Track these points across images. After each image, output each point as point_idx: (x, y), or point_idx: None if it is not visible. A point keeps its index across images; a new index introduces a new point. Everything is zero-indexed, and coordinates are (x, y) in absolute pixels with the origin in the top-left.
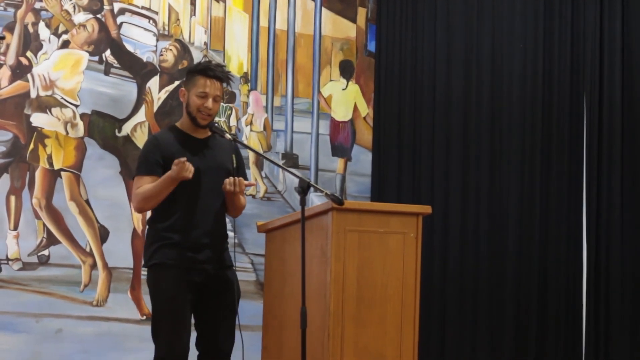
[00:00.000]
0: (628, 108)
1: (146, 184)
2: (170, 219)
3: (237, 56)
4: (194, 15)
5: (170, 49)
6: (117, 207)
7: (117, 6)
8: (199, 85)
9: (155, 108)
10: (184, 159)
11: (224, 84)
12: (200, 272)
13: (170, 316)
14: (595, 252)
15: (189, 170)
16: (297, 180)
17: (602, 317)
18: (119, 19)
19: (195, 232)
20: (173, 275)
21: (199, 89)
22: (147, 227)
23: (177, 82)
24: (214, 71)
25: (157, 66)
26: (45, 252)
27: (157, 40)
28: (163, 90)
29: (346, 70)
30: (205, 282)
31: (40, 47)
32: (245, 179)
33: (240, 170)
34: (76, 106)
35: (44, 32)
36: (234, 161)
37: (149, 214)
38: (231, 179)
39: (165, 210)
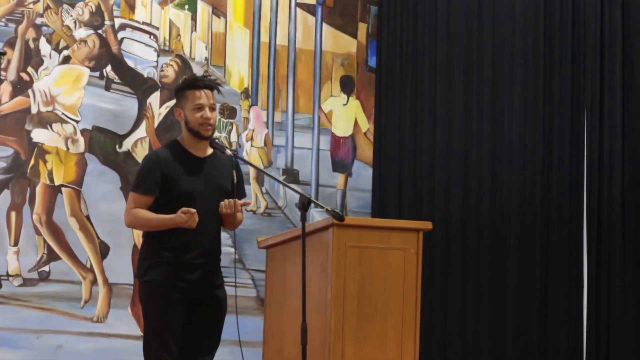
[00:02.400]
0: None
1: (142, 206)
2: (166, 237)
3: (237, 71)
4: (195, 30)
5: (171, 65)
6: (118, 223)
7: (118, 22)
8: (191, 99)
9: (156, 124)
10: (194, 211)
11: (216, 93)
12: (192, 291)
13: (161, 334)
14: (595, 264)
15: (195, 221)
16: (297, 196)
17: (603, 333)
18: (120, 35)
19: (191, 252)
20: (164, 294)
21: (194, 103)
22: (142, 239)
23: None
24: (203, 82)
25: (158, 82)
26: (46, 268)
27: (158, 55)
28: (164, 106)
29: (347, 85)
30: (195, 300)
31: (41, 62)
32: (244, 195)
33: (239, 187)
34: (77, 122)
35: (44, 47)
36: (234, 177)
37: None
38: (226, 201)
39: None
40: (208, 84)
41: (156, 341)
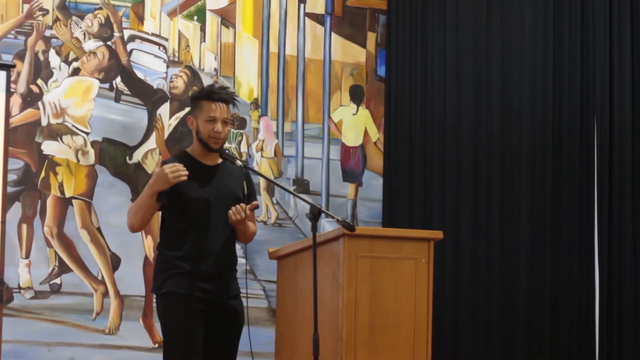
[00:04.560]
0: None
1: None
2: (181, 247)
3: (247, 82)
4: (204, 41)
5: (181, 76)
6: (129, 235)
7: (127, 33)
8: (205, 110)
9: (166, 135)
10: (179, 167)
11: (231, 106)
12: (209, 301)
13: (182, 346)
14: (607, 275)
15: (175, 173)
16: (308, 207)
17: (615, 344)
18: (129, 46)
19: (206, 262)
20: (184, 305)
21: (207, 115)
22: (157, 253)
23: (187, 109)
24: (219, 94)
25: (168, 93)
26: (57, 281)
27: (168, 66)
28: (174, 117)
29: (356, 95)
30: (213, 311)
31: (51, 74)
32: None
33: (251, 198)
34: (87, 134)
35: (54, 59)
36: (245, 188)
37: (158, 239)
38: (233, 208)
39: (175, 239)
40: (224, 97)
41: (177, 354)
